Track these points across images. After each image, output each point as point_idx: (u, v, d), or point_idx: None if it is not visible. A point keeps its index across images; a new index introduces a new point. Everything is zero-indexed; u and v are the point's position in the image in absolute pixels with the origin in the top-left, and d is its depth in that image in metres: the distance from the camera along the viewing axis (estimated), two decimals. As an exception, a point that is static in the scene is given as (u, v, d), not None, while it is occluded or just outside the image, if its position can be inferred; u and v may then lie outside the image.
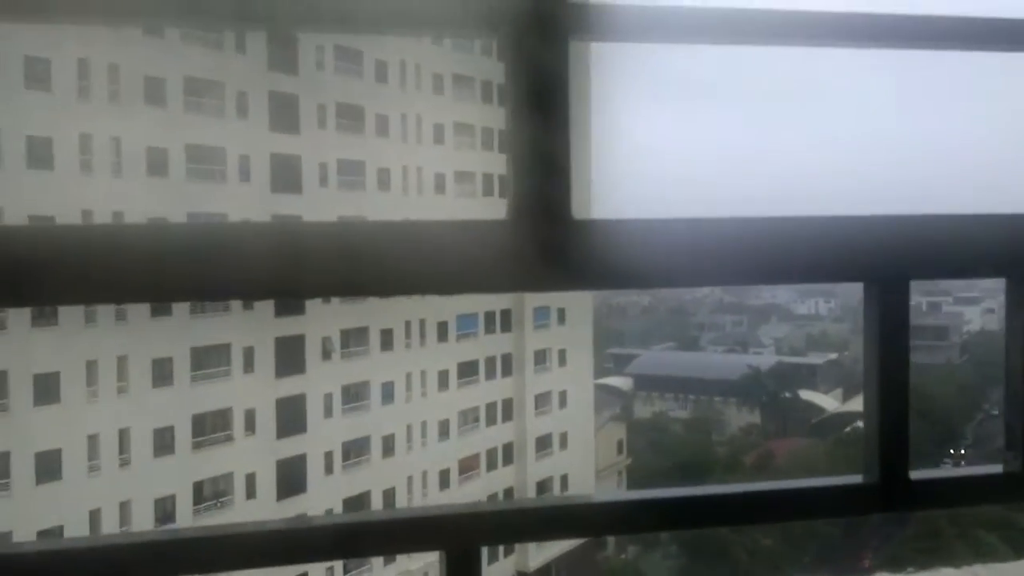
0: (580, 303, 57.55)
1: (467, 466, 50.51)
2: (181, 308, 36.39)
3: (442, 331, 48.80)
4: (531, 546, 52.59)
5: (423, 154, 47.29)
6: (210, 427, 38.05)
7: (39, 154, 31.92)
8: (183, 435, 36.90)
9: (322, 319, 42.03)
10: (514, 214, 1.23)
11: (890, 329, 1.41)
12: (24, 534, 31.40)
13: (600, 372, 75.87)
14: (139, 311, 34.83)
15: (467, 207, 47.47)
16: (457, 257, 1.22)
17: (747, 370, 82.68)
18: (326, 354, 42.61)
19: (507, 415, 53.37)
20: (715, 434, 76.60)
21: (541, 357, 55.19)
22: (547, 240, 1.23)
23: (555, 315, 56.08)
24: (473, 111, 50.57)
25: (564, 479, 56.21)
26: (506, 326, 53.34)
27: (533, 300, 54.13)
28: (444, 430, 49.08)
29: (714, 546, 54.18)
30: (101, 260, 1.13)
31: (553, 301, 55.58)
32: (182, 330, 36.22)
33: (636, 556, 59.37)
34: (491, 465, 52.35)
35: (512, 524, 1.36)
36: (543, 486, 55.38)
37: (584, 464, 58.09)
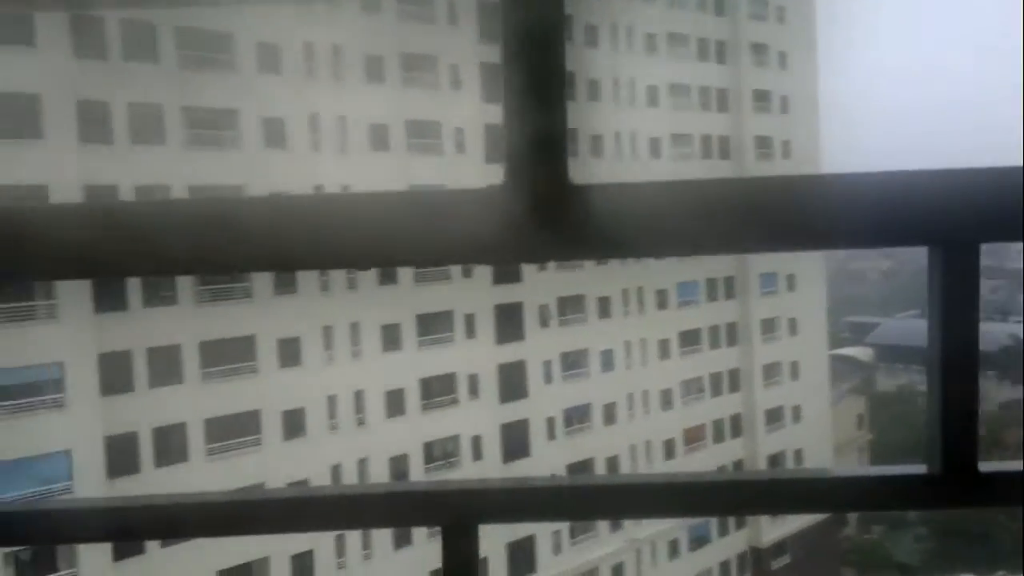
0: (811, 268, 55.07)
1: (693, 437, 49.76)
2: (406, 276, 38.39)
3: (661, 299, 48.32)
4: (764, 521, 51.12)
5: (637, 117, 46.96)
6: (437, 390, 39.87)
7: (274, 134, 34.75)
8: (412, 397, 38.92)
9: (539, 287, 42.85)
10: (509, 179, 1.18)
11: (957, 299, 1.29)
12: (275, 485, 34.48)
13: (836, 342, 72.28)
14: (368, 280, 37.13)
15: (684, 171, 46.67)
16: (450, 226, 1.19)
17: (1008, 341, 76.02)
18: (544, 321, 43.40)
19: (733, 386, 52.07)
20: (970, 410, 70.60)
21: (769, 326, 53.35)
22: (543, 207, 1.18)
23: (783, 282, 54.03)
24: (688, 70, 49.59)
25: (798, 454, 54.16)
26: (730, 293, 52.01)
27: (758, 266, 52.39)
28: (667, 400, 48.64)
29: (972, 528, 50.41)
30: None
31: (781, 267, 53.52)
32: (408, 297, 38.17)
33: (882, 536, 56.45)
34: (718, 437, 51.31)
35: (510, 502, 1.33)
36: (775, 460, 53.58)
37: (820, 439, 55.65)
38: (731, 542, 50.52)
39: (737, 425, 52.26)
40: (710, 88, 50.97)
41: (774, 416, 53.53)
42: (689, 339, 49.75)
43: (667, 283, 48.33)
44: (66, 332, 29.70)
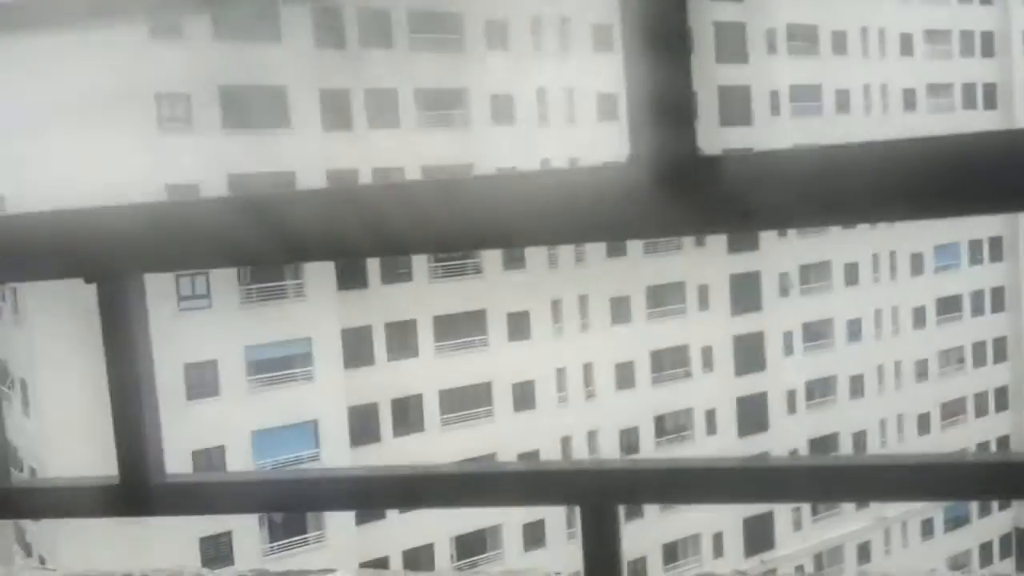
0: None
1: (951, 411, 45.96)
2: (635, 248, 37.48)
3: (916, 264, 44.51)
4: (1033, 502, 46.82)
5: (888, 68, 43.04)
6: (668, 363, 38.95)
7: (501, 110, 34.71)
8: (643, 370, 38.25)
9: (779, 254, 40.60)
10: (635, 153, 1.14)
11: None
12: (505, 456, 35.11)
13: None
14: (597, 252, 36.57)
15: (942, 123, 42.37)
16: (576, 205, 1.16)
17: None
18: (784, 290, 41.16)
19: (1000, 356, 47.41)
20: None
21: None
22: (671, 180, 1.13)
23: (1059, 239, 48.28)
24: (946, 15, 44.81)
25: (1074, 430, 48.84)
26: (996, 255, 47.09)
27: (1030, 224, 47.11)
28: (922, 371, 45.05)
29: None
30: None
31: (1057, 223, 47.88)
32: (637, 269, 37.33)
33: None
34: (980, 411, 47.06)
35: (651, 483, 1.31)
36: (1046, 437, 48.61)
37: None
38: (994, 522, 46.60)
39: (1003, 398, 47.70)
40: (973, 32, 45.83)
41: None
42: (948, 306, 45.66)
43: (923, 246, 44.44)
44: (313, 309, 31.35)
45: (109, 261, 1.37)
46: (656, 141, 1.12)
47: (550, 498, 1.35)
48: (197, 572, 1.78)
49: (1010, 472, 1.22)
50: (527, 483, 1.35)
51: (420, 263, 33.77)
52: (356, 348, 32.44)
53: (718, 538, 38.91)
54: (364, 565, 32.21)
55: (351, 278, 32.32)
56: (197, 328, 29.26)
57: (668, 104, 1.11)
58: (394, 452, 33.00)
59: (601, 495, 1.28)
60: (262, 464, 30.64)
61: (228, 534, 30.21)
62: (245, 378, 30.60)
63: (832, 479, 1.26)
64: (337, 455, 31.60)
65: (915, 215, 1.13)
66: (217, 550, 30.02)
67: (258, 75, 29.93)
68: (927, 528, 44.39)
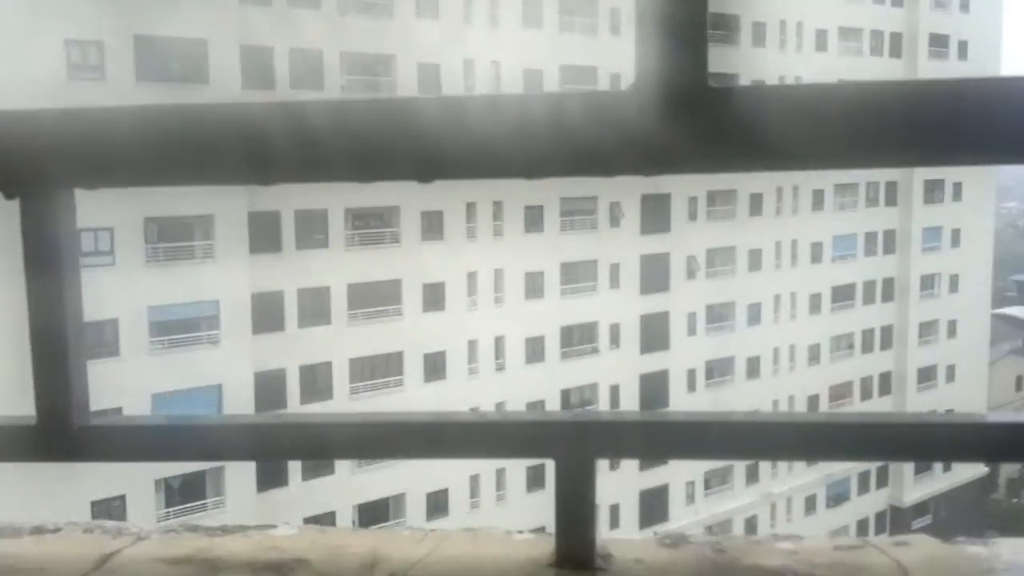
0: (979, 224, 51.61)
1: (839, 394, 48.07)
2: (552, 224, 37.72)
3: (816, 252, 46.18)
4: (907, 480, 49.55)
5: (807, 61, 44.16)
6: (577, 339, 39.47)
7: (428, 79, 34.24)
8: (552, 345, 38.67)
9: (688, 237, 41.50)
10: (641, 83, 1.04)
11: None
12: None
13: (1000, 301, 68.28)
14: (515, 228, 36.64)
15: (852, 66, 44.01)
16: (571, 134, 1.05)
17: None
18: (691, 273, 42.13)
19: (886, 343, 49.79)
20: None
21: (928, 282, 50.48)
22: (678, 111, 1.03)
23: (948, 237, 50.80)
24: (860, 14, 46.19)
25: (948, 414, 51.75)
26: (889, 248, 49.25)
27: (922, 220, 49.44)
28: (815, 355, 46.93)
29: None
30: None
31: (946, 221, 50.39)
32: (552, 246, 37.59)
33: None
34: (866, 394, 49.40)
35: (632, 436, 1.26)
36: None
37: (974, 399, 52.88)
38: (871, 500, 49.19)
39: (887, 383, 50.19)
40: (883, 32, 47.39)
41: (927, 375, 51.16)
42: (843, 294, 47.60)
43: (823, 236, 46.10)
44: (222, 271, 30.47)
45: (33, 174, 1.19)
46: (664, 67, 1.02)
47: (522, 450, 1.28)
48: (117, 526, 1.71)
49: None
50: (497, 434, 1.29)
51: (337, 229, 33.18)
52: (266, 313, 31.74)
53: (615, 510, 39.90)
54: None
55: (264, 241, 31.52)
56: (98, 286, 28.08)
57: (679, 26, 1.02)
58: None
59: (578, 449, 1.22)
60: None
61: (121, 498, 29.36)
62: (148, 339, 29.61)
63: (819, 437, 1.23)
64: (243, 421, 31.02)
65: (939, 159, 1.06)
66: (109, 515, 29.14)
67: (178, 27, 28.66)
68: (810, 504, 46.54)
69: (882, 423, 1.24)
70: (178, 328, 30.24)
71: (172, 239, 30.02)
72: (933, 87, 1.00)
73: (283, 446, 1.41)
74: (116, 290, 28.39)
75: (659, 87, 1.02)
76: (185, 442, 1.37)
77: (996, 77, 0.99)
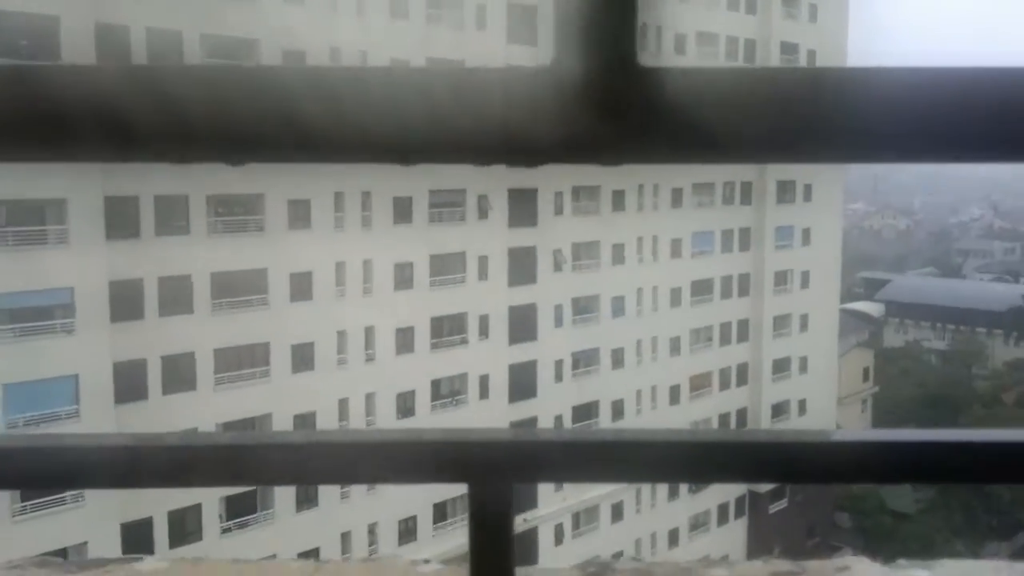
0: (828, 224, 54.72)
1: (698, 384, 50.04)
2: (421, 216, 38.06)
3: (676, 248, 48.01)
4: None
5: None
6: (447, 330, 39.89)
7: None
8: (422, 335, 38.97)
9: (554, 231, 42.54)
10: (560, 56, 0.91)
11: None
12: (281, 417, 34.77)
13: (848, 296, 72.21)
14: (383, 219, 36.79)
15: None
16: (486, 114, 0.91)
17: (1020, 301, 75.87)
18: (557, 266, 43.19)
19: (742, 336, 52.12)
20: (975, 367, 71.15)
21: (782, 279, 53.13)
22: (602, 93, 0.91)
23: (799, 235, 53.62)
24: (715, 20, 48.39)
25: (802, 404, 54.53)
26: (745, 244, 51.65)
27: (775, 219, 52.03)
28: (675, 347, 48.73)
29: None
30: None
31: (797, 221, 53.19)
32: (421, 237, 37.93)
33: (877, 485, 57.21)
34: (724, 384, 51.57)
35: (552, 457, 1.14)
36: (779, 409, 54.01)
37: (825, 390, 55.98)
38: (731, 486, 51.17)
39: (744, 374, 52.51)
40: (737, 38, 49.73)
41: (781, 366, 53.74)
42: (701, 288, 49.60)
43: (682, 232, 47.96)
44: (77, 257, 29.55)
45: None
46: (587, 40, 0.90)
47: (431, 473, 1.13)
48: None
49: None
50: (402, 456, 1.14)
51: (199, 216, 32.62)
52: (125, 302, 30.92)
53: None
54: (125, 526, 30.98)
55: (122, 227, 30.74)
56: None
57: (606, 4, 0.91)
58: (162, 410, 31.82)
59: (493, 471, 1.10)
60: (14, 420, 28.67)
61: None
62: (-2, 326, 28.47)
63: (750, 456, 1.14)
64: (99, 413, 30.09)
65: (899, 158, 0.95)
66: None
67: (29, 2, 27.71)
68: (674, 490, 48.18)
69: (734, 441, 1.16)
70: (30, 316, 29.18)
71: (22, 223, 28.97)
72: (876, 74, 0.92)
73: (144, 471, 1.18)
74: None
75: (581, 62, 0.89)
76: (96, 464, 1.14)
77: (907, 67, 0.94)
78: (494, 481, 1.10)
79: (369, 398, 37.63)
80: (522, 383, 42.53)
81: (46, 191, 28.71)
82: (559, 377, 44.08)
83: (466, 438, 1.13)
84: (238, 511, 34.08)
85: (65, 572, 1.46)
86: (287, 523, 34.61)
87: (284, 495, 34.31)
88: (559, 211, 42.77)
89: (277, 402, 34.49)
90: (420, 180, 37.14)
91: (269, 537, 33.05)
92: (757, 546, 49.88)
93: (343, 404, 36.77)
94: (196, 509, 32.82)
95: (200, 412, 32.55)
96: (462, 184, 38.66)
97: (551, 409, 43.55)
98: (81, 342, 29.87)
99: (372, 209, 36.52)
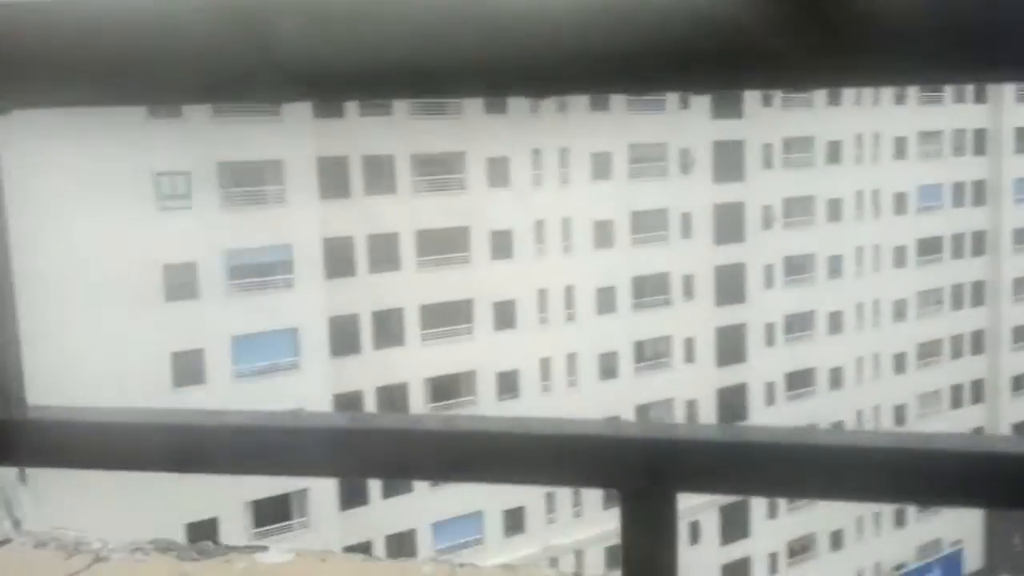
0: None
1: (927, 352, 46.41)
2: (620, 172, 37.47)
3: (900, 203, 44.69)
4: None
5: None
6: (649, 290, 39.10)
7: None
8: (624, 296, 38.43)
9: (763, 186, 40.70)
10: None
11: None
12: (485, 375, 35.37)
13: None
14: (581, 176, 36.49)
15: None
16: (671, 35, 0.80)
17: None
18: (767, 223, 41.30)
19: (977, 299, 47.81)
20: None
21: (1022, 236, 48.25)
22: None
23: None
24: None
25: (1046, 376, 49.39)
26: (979, 199, 47.30)
27: (1014, 170, 47.28)
28: (900, 311, 45.44)
29: None
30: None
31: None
32: (621, 195, 37.37)
33: None
34: (956, 353, 47.55)
35: (731, 463, 0.91)
36: (1021, 382, 49.15)
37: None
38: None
39: (979, 342, 48.22)
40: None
41: (1022, 334, 48.90)
42: (929, 247, 45.95)
43: (907, 185, 44.59)
44: (294, 216, 31.23)
45: None
46: None
47: (573, 475, 0.97)
48: (76, 540, 1.54)
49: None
50: (541, 452, 0.96)
51: (404, 175, 33.66)
52: (338, 258, 32.41)
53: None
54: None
55: (333, 186, 32.21)
56: (177, 229, 29.14)
57: None
58: (374, 364, 33.17)
59: (653, 476, 0.91)
60: (242, 370, 30.67)
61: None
62: (225, 282, 30.54)
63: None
64: (317, 365, 31.72)
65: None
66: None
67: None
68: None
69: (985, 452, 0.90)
70: (253, 271, 31.11)
71: (244, 183, 30.92)
72: None
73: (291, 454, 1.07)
74: (194, 233, 29.41)
75: None
76: (154, 445, 1.07)
77: None
78: (653, 490, 0.90)
79: (571, 358, 37.54)
80: (730, 347, 41.03)
81: (264, 153, 30.51)
82: (770, 341, 42.18)
83: (620, 433, 0.95)
84: (442, 394, 34.76)
85: (185, 559, 1.45)
86: (488, 409, 34.96)
87: (487, 383, 34.97)
88: (768, 164, 40.83)
89: (480, 359, 35.08)
90: (619, 135, 36.58)
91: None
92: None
93: (545, 363, 36.88)
94: (403, 387, 33.79)
95: (409, 366, 33.67)
96: (663, 137, 37.72)
97: (762, 376, 41.78)
98: (300, 297, 31.56)
99: (570, 165, 36.34)
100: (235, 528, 28.18)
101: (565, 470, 0.96)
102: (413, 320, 34.20)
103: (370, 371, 33.14)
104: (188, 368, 29.64)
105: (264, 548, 1.54)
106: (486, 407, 35.34)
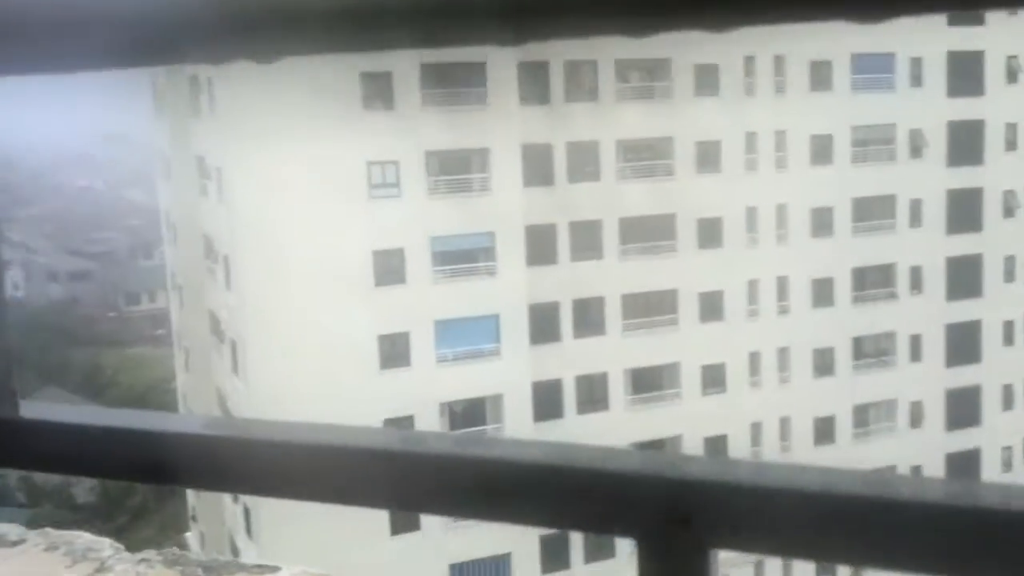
0: None
1: None
2: (842, 156, 34.95)
3: None
4: None
5: None
6: (872, 282, 36.44)
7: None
8: (843, 288, 36.06)
9: (1005, 169, 36.80)
10: None
11: None
12: (689, 369, 34.14)
13: None
14: (800, 159, 34.36)
15: None
16: None
17: None
18: (1008, 210, 37.38)
19: None
20: None
21: None
22: None
23: None
24: None
25: None
26: None
27: None
28: None
29: None
30: None
31: None
32: (842, 180, 34.97)
33: None
34: None
35: (790, 514, 0.69)
36: None
37: None
38: None
39: None
40: None
41: None
42: None
43: None
44: (497, 203, 31.24)
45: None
46: None
47: (579, 518, 0.77)
48: (86, 546, 1.51)
49: None
50: (541, 488, 0.76)
51: (608, 162, 32.89)
52: (539, 245, 32.17)
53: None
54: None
55: (537, 175, 31.94)
56: (386, 216, 29.86)
57: None
58: (573, 353, 32.78)
59: (678, 524, 0.70)
60: (444, 354, 31.10)
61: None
62: (431, 268, 31.03)
63: None
64: (517, 352, 31.71)
65: None
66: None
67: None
68: None
69: None
70: (458, 258, 31.45)
71: (451, 172, 31.22)
72: None
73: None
74: (402, 220, 30.05)
75: None
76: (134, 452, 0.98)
77: None
78: (679, 542, 0.71)
79: (782, 353, 35.60)
80: (962, 345, 37.53)
81: (472, 141, 30.65)
82: (1008, 340, 38.24)
83: (642, 468, 0.73)
84: (643, 386, 33.99)
85: (190, 574, 1.41)
86: (692, 404, 33.92)
87: (691, 376, 33.85)
88: (1011, 146, 36.85)
89: (683, 351, 33.91)
90: (840, 115, 34.14)
91: (671, 415, 32.61)
92: None
93: (753, 358, 35.18)
94: (603, 378, 33.29)
95: (609, 356, 33.06)
96: (890, 118, 34.82)
97: (998, 378, 38.01)
98: (502, 284, 31.62)
99: (787, 149, 34.29)
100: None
101: (572, 510, 0.77)
102: (615, 309, 33.47)
103: (569, 360, 32.77)
104: (394, 351, 30.41)
105: (275, 568, 1.49)
106: (690, 401, 34.20)
